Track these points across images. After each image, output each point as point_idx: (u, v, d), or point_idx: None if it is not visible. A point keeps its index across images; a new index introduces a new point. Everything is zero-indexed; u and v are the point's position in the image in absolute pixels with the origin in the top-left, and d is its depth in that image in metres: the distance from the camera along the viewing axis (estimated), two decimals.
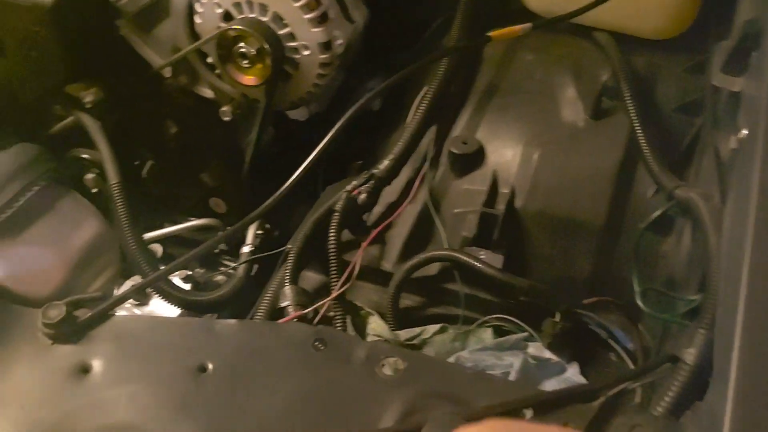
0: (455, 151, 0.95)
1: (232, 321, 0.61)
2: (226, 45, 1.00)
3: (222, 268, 1.21)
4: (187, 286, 1.15)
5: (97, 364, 0.57)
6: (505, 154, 0.94)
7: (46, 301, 0.62)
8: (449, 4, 1.11)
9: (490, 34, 0.91)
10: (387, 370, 0.55)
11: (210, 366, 0.57)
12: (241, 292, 1.06)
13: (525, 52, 1.02)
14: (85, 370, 0.57)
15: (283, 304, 0.87)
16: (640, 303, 0.75)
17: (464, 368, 0.67)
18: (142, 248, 1.01)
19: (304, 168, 0.88)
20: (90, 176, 1.24)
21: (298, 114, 1.17)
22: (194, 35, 1.06)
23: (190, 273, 1.17)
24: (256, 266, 1.12)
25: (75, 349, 0.57)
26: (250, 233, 1.16)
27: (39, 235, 0.62)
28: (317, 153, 0.88)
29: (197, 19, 1.03)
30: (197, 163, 1.18)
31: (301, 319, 0.85)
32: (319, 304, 0.88)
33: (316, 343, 0.57)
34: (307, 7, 0.97)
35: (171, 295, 1.00)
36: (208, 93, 1.12)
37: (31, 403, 0.55)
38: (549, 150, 0.92)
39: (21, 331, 0.57)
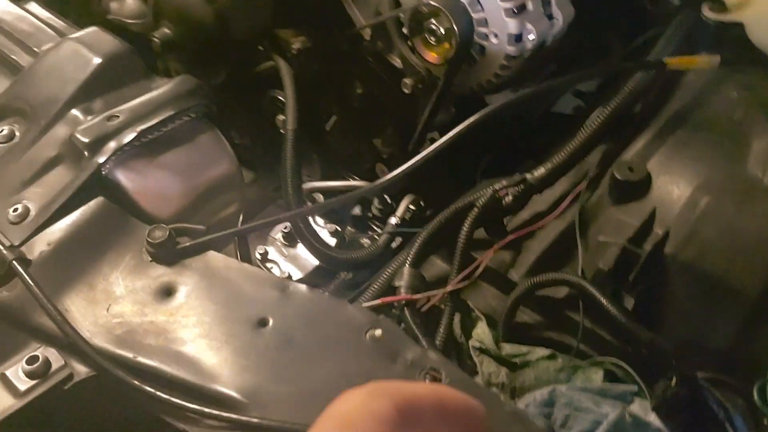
0: (618, 176, 0.87)
1: (304, 287, 0.62)
2: (418, 18, 0.99)
3: (371, 233, 1.23)
4: (333, 241, 1.19)
5: (180, 290, 0.60)
6: (671, 191, 0.85)
7: (163, 221, 0.67)
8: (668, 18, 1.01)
9: (666, 59, 0.82)
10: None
11: (271, 322, 0.58)
12: (375, 261, 1.08)
13: (730, 88, 0.90)
14: (169, 292, 0.60)
15: (396, 284, 0.87)
16: (756, 394, 0.65)
17: (506, 404, 0.62)
18: (298, 194, 1.05)
19: (435, 148, 0.87)
20: (281, 117, 1.31)
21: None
22: (396, 3, 1.07)
23: (339, 229, 1.20)
24: (399, 239, 1.12)
25: (167, 271, 0.61)
26: (402, 206, 1.16)
27: (174, 161, 0.67)
28: (446, 140, 0.86)
29: None
30: (374, 127, 1.20)
31: (409, 303, 0.85)
32: (431, 293, 0.87)
33: (369, 333, 0.56)
34: None
35: (309, 242, 1.04)
36: (397, 62, 1.12)
37: (115, 307, 0.59)
38: (720, 199, 0.82)
39: (130, 242, 0.62)
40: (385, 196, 1.22)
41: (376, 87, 1.15)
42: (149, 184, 0.65)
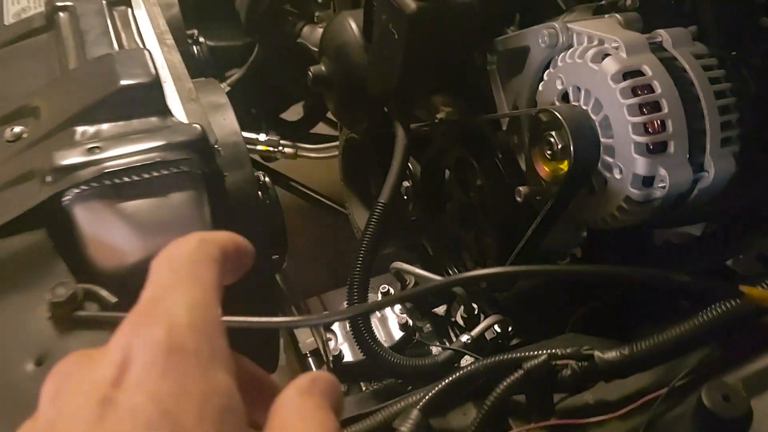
0: (706, 401, 0.63)
1: None
2: (538, 126, 0.81)
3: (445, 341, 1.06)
4: (399, 334, 1.04)
5: (49, 365, 0.50)
6: None
7: (105, 274, 0.57)
8: None
9: (745, 288, 0.56)
10: None
11: None
12: (425, 374, 0.92)
13: None
14: (39, 362, 0.51)
15: (395, 426, 0.71)
16: None
17: None
18: (364, 274, 0.93)
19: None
20: (405, 184, 1.19)
21: None
22: (533, 100, 0.90)
23: (411, 324, 1.04)
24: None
25: (53, 337, 0.51)
26: (483, 324, 0.98)
27: (137, 213, 0.57)
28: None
29: (540, 87, 0.86)
30: (483, 226, 1.03)
31: None
32: None
33: None
34: (643, 128, 0.73)
35: (356, 327, 0.91)
36: (522, 164, 0.95)
37: None
38: None
39: (42, 290, 0.53)
40: (474, 305, 1.04)
41: (494, 183, 0.99)
42: (102, 229, 0.56)
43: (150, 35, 0.77)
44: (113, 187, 0.57)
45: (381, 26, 0.96)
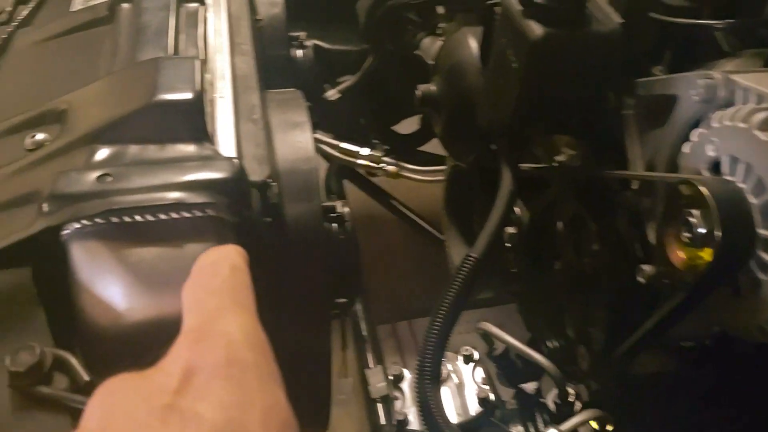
0: None
1: None
2: (677, 199, 0.64)
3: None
4: (475, 408, 0.89)
5: None
6: None
7: (92, 334, 0.47)
8: None
9: None
10: None
11: None
12: None
13: None
14: None
15: None
16: None
17: None
18: (443, 332, 0.80)
19: None
20: (509, 230, 1.04)
21: None
22: (673, 163, 0.72)
23: (492, 399, 0.89)
24: None
25: (3, 414, 0.41)
26: (576, 419, 0.82)
27: (142, 261, 0.46)
28: None
29: (684, 148, 0.69)
30: (592, 297, 0.86)
31: None
32: None
33: None
34: None
35: (422, 397, 0.78)
36: (651, 236, 0.77)
37: None
38: None
39: (6, 347, 0.43)
40: (570, 390, 0.87)
41: (613, 253, 0.82)
42: (99, 276, 0.45)
43: (222, 39, 0.66)
44: (120, 226, 0.46)
45: (499, 50, 0.81)
